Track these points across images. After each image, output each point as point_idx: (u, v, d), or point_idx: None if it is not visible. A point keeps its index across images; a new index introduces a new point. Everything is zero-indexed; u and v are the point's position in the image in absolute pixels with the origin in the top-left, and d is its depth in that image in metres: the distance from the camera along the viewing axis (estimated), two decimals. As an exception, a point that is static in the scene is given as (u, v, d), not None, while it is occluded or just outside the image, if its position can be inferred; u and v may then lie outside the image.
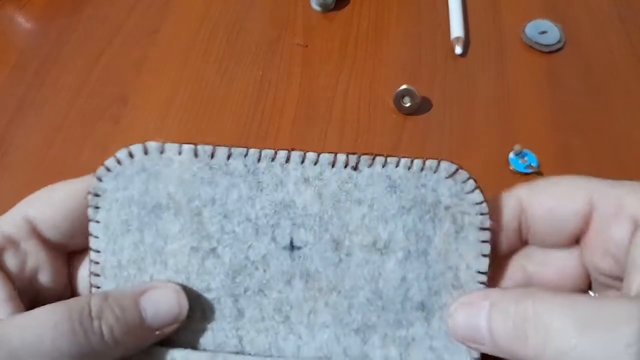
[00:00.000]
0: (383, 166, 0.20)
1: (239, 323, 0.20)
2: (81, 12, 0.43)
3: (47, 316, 0.17)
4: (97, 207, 0.20)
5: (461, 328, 0.19)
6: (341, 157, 0.20)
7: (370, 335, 0.20)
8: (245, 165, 0.20)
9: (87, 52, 0.40)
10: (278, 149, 0.20)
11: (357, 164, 0.20)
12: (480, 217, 0.20)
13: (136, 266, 0.20)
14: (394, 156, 0.20)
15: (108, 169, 0.20)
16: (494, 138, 0.36)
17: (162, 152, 0.20)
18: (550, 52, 0.41)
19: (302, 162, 0.20)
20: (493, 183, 0.34)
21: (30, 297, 0.20)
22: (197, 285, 0.20)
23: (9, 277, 0.19)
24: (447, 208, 0.20)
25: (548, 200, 0.20)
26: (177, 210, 0.20)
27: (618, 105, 0.38)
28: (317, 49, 0.41)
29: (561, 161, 0.35)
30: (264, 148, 0.20)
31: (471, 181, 0.20)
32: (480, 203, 0.20)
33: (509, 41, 0.42)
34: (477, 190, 0.20)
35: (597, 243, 0.19)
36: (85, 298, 0.18)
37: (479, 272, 0.20)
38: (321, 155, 0.20)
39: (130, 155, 0.20)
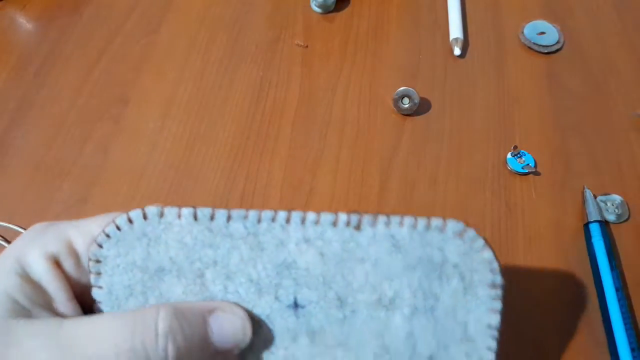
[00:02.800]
0: (386, 226, 0.20)
1: None
2: (81, 13, 0.43)
3: (110, 330, 0.17)
4: (99, 274, 0.20)
5: None
6: (342, 217, 0.20)
7: None
8: (246, 227, 0.20)
9: (88, 53, 0.40)
10: (278, 210, 0.20)
11: (359, 224, 0.20)
12: (491, 274, 0.20)
13: None
14: (397, 215, 0.20)
15: (108, 236, 0.20)
16: (492, 138, 0.37)
17: (161, 216, 0.19)
18: (548, 53, 0.41)
19: (303, 222, 0.20)
20: (491, 183, 0.35)
21: (84, 299, 0.20)
22: None
23: (69, 281, 0.19)
24: (455, 266, 0.20)
25: None
26: (180, 272, 0.20)
27: (616, 106, 0.39)
28: (317, 50, 0.41)
29: (558, 161, 0.36)
30: (265, 209, 0.20)
31: (480, 240, 0.20)
32: (491, 261, 0.20)
33: (507, 42, 0.42)
34: (487, 248, 0.20)
35: None
36: (152, 311, 0.18)
37: (490, 327, 0.20)
38: (322, 216, 0.20)
39: (130, 221, 0.19)
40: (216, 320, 0.19)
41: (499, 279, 0.20)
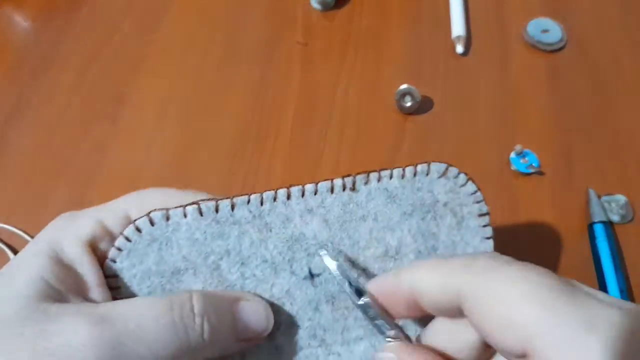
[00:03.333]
0: (378, 180, 0.21)
1: (280, 359, 0.21)
2: (79, 11, 0.43)
3: (149, 307, 0.17)
4: (117, 288, 0.20)
5: None
6: (338, 182, 0.21)
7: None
8: (250, 211, 0.20)
9: (85, 52, 0.40)
10: (277, 189, 0.20)
11: (353, 184, 0.21)
12: (477, 205, 0.22)
13: None
14: (387, 169, 0.21)
15: (119, 249, 0.20)
16: (495, 138, 0.36)
17: (167, 219, 0.20)
18: (552, 51, 0.41)
19: (302, 195, 0.21)
20: (494, 183, 0.34)
21: None
22: None
23: (101, 264, 0.20)
24: (445, 204, 0.22)
25: (497, 313, 0.15)
26: (196, 269, 0.20)
27: (620, 105, 0.38)
28: (317, 48, 0.41)
29: (562, 161, 0.35)
30: (266, 191, 0.20)
31: (462, 175, 0.22)
32: (474, 193, 0.22)
33: (510, 40, 0.41)
34: (470, 182, 0.22)
35: None
36: (185, 294, 0.18)
37: None
38: (319, 185, 0.21)
39: (138, 230, 0.20)
40: (241, 309, 0.19)
41: (485, 208, 0.22)
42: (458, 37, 0.41)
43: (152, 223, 0.20)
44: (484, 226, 0.22)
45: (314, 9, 0.43)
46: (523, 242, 0.32)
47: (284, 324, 0.21)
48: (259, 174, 0.34)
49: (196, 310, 0.18)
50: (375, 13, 0.43)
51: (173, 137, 0.36)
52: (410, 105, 0.36)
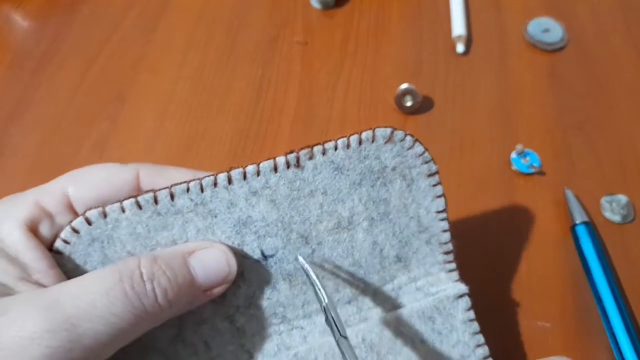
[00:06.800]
0: (323, 154, 0.20)
1: (243, 340, 0.21)
2: (78, 11, 0.43)
3: (98, 282, 0.17)
4: None
5: None
6: (281, 160, 0.20)
7: (362, 301, 0.22)
8: (191, 200, 0.20)
9: (84, 51, 0.40)
10: (217, 173, 0.20)
11: (297, 160, 0.20)
12: (426, 165, 0.22)
13: None
14: (330, 140, 0.21)
15: (58, 252, 0.19)
16: (495, 137, 0.36)
17: (105, 216, 0.19)
18: (552, 51, 0.41)
19: (245, 177, 0.20)
20: (495, 183, 0.34)
21: None
22: (190, 320, 0.21)
23: (48, 247, 0.19)
24: (394, 169, 0.21)
25: None
26: None
27: (621, 105, 0.38)
28: (317, 48, 0.41)
29: (563, 161, 0.35)
30: (205, 177, 0.20)
31: (409, 137, 0.21)
32: (423, 153, 0.22)
33: (511, 40, 0.41)
34: (417, 143, 0.21)
35: None
36: (133, 261, 0.18)
37: (438, 212, 0.23)
38: (261, 165, 0.20)
39: (75, 231, 0.19)
40: (197, 259, 0.19)
41: (434, 167, 0.22)
42: (459, 37, 0.40)
43: (89, 222, 0.19)
44: (434, 185, 0.22)
45: (314, 9, 0.43)
46: (525, 242, 0.32)
47: (242, 306, 0.21)
48: (259, 174, 0.34)
49: (145, 276, 0.18)
50: (375, 12, 0.43)
51: (172, 137, 0.36)
52: (411, 105, 0.36)
